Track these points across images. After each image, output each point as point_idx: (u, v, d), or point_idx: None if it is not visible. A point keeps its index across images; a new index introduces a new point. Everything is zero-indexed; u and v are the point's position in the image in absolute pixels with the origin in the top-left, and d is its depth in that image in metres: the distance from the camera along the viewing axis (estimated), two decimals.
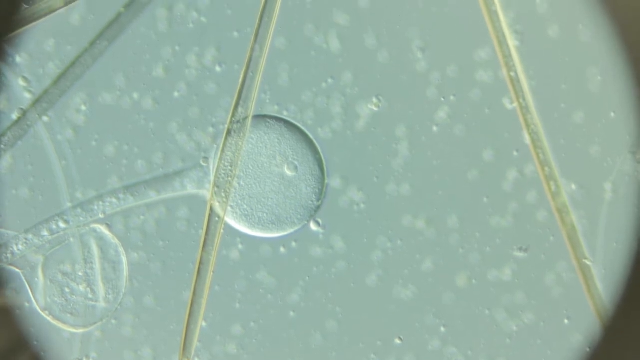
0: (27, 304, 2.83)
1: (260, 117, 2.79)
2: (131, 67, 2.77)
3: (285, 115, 2.78)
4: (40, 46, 2.77)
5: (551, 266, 2.76)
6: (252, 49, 2.74)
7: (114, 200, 2.81)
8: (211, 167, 2.79)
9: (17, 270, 2.83)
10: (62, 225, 2.82)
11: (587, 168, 2.73)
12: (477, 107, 2.75)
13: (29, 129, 2.79)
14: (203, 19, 2.76)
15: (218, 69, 2.76)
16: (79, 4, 2.76)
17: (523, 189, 2.76)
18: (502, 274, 2.77)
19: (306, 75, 2.76)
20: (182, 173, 2.80)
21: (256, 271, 2.81)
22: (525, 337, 2.79)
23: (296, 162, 2.80)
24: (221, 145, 2.78)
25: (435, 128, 2.75)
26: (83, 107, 2.79)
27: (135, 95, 2.78)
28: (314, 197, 2.80)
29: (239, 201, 2.80)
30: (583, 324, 2.75)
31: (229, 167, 2.79)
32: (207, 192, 2.80)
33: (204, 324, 2.81)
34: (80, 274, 2.83)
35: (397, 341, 2.80)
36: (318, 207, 2.80)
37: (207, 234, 2.79)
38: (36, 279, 2.83)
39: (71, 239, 2.83)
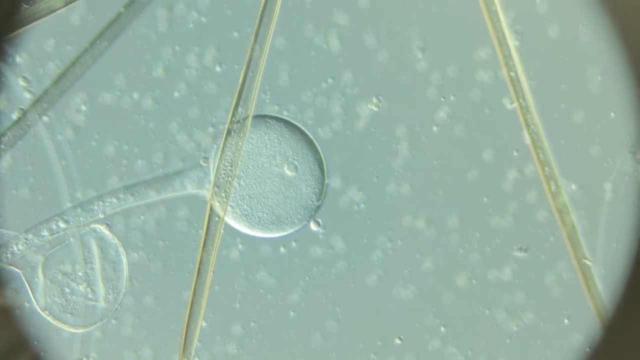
0: (27, 304, 2.83)
1: (260, 117, 2.79)
2: (131, 67, 2.77)
3: (285, 115, 2.78)
4: (40, 46, 2.77)
5: (551, 266, 2.76)
6: (252, 49, 2.74)
7: (114, 200, 2.81)
8: (211, 167, 2.79)
9: (17, 270, 2.83)
10: (62, 225, 2.82)
11: (587, 168, 2.73)
12: (477, 107, 2.75)
13: (29, 129, 2.79)
14: (203, 19, 2.76)
15: (218, 69, 2.76)
16: (79, 4, 2.76)
17: (523, 189, 2.76)
18: (502, 274, 2.77)
19: (306, 75, 2.76)
20: (182, 173, 2.80)
21: (256, 271, 2.81)
22: (525, 337, 2.79)
23: (296, 162, 2.80)
24: (221, 145, 2.78)
25: (435, 128, 2.75)
26: (83, 107, 2.79)
27: (135, 95, 2.78)
28: (314, 197, 2.80)
29: (239, 201, 2.81)
30: (583, 324, 2.75)
31: (229, 167, 2.79)
32: (207, 192, 2.80)
33: (204, 324, 2.81)
34: (80, 274, 2.83)
35: (397, 341, 2.80)
36: (318, 207, 2.80)
37: (207, 234, 2.79)
38: (36, 279, 2.83)
39: (71, 239, 2.83)
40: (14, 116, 2.78)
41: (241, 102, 2.77)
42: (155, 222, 2.81)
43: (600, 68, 2.69)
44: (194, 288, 2.80)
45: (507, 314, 2.78)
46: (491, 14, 2.71)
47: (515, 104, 2.73)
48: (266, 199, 2.80)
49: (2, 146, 2.78)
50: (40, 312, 2.83)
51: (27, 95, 2.78)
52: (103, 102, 2.79)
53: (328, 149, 2.79)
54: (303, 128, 2.78)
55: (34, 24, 2.76)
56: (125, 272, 2.83)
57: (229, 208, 2.80)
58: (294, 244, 2.80)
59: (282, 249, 2.80)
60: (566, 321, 2.77)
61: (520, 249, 2.77)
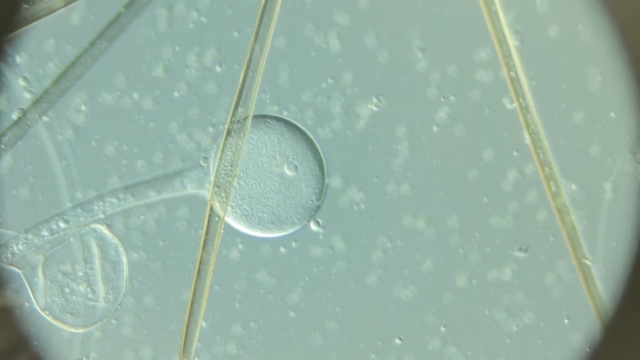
0: (27, 304, 2.83)
1: (260, 117, 2.79)
2: (131, 67, 2.77)
3: (285, 115, 2.78)
4: (40, 46, 2.77)
5: (551, 266, 2.76)
6: (252, 49, 2.74)
7: (114, 200, 2.81)
8: (211, 167, 2.79)
9: (17, 270, 2.83)
10: (62, 225, 2.82)
11: (587, 168, 2.73)
12: (477, 107, 2.75)
13: (29, 129, 2.79)
14: (203, 19, 2.76)
15: (218, 69, 2.76)
16: (79, 4, 2.76)
17: (523, 189, 2.76)
18: (502, 274, 2.77)
19: (306, 75, 2.76)
20: (182, 173, 2.80)
21: (256, 271, 2.81)
22: (525, 337, 2.79)
23: (296, 162, 2.80)
24: (221, 145, 2.78)
25: (435, 128, 2.75)
26: (83, 107, 2.79)
27: (135, 95, 2.78)
28: (314, 197, 2.80)
29: (239, 201, 2.81)
30: (583, 324, 2.75)
31: (229, 167, 2.79)
32: (207, 192, 2.80)
33: (204, 324, 2.81)
34: (80, 274, 2.83)
35: (397, 341, 2.80)
36: (318, 207, 2.80)
37: (207, 234, 2.79)
38: (36, 279, 2.83)
39: (71, 239, 2.83)
40: (14, 116, 2.78)
41: (241, 102, 2.77)
42: (155, 222, 2.81)
43: (600, 68, 2.69)
44: (194, 288, 2.80)
45: (507, 314, 2.78)
46: (491, 14, 2.71)
47: (515, 104, 2.73)
48: (266, 198, 2.80)
49: (2, 146, 2.78)
50: (41, 312, 2.83)
51: (27, 95, 2.78)
52: (103, 102, 2.79)
53: (328, 149, 2.79)
54: (303, 128, 2.78)
55: (34, 24, 2.76)
56: (125, 272, 2.83)
57: (229, 208, 2.80)
58: (294, 244, 2.80)
59: (282, 249, 2.80)
60: (566, 321, 2.77)
61: (520, 249, 2.77)
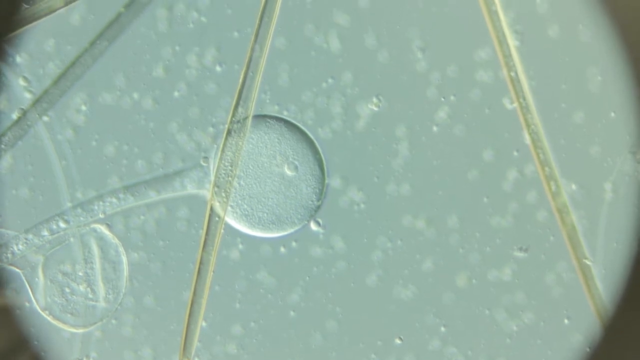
0: (27, 304, 2.83)
1: (260, 117, 2.79)
2: (131, 67, 2.77)
3: (285, 115, 2.78)
4: (41, 46, 2.77)
5: (551, 266, 2.76)
6: (252, 49, 2.74)
7: (114, 200, 2.81)
8: (211, 167, 2.80)
9: (17, 270, 2.83)
10: (62, 225, 2.82)
11: (587, 168, 2.73)
12: (477, 107, 2.75)
13: (29, 129, 2.79)
14: (203, 19, 2.76)
15: (218, 69, 2.76)
16: (79, 4, 2.76)
17: (523, 189, 2.76)
18: (502, 274, 2.77)
19: (306, 75, 2.76)
20: (182, 173, 2.80)
21: (256, 271, 2.81)
22: (525, 337, 2.79)
23: (296, 162, 2.80)
24: (221, 145, 2.78)
25: (435, 128, 2.75)
26: (83, 107, 2.79)
27: (135, 95, 2.78)
28: (314, 197, 2.80)
29: (239, 201, 2.81)
30: (583, 324, 2.75)
31: (229, 167, 2.79)
32: (207, 192, 2.80)
33: (204, 324, 2.81)
34: (80, 273, 2.83)
35: (397, 341, 2.80)
36: (318, 207, 2.80)
37: (207, 234, 2.79)
38: (36, 279, 2.83)
39: (71, 239, 2.83)
40: (14, 116, 2.78)
41: (241, 102, 2.77)
42: (155, 222, 2.81)
43: (600, 68, 2.69)
44: (194, 288, 2.80)
45: (507, 314, 2.78)
46: (491, 14, 2.71)
47: (515, 104, 2.73)
48: (266, 198, 2.80)
49: (2, 146, 2.78)
50: (41, 312, 2.83)
51: (27, 95, 2.78)
52: (103, 102, 2.79)
53: (328, 148, 2.79)
54: (303, 128, 2.78)
55: (34, 24, 2.76)
56: (126, 272, 2.83)
57: (229, 208, 2.80)
58: (294, 243, 2.80)
59: (282, 249, 2.80)
60: (566, 321, 2.77)
61: (520, 249, 2.77)
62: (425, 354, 2.80)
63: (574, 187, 2.74)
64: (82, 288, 2.83)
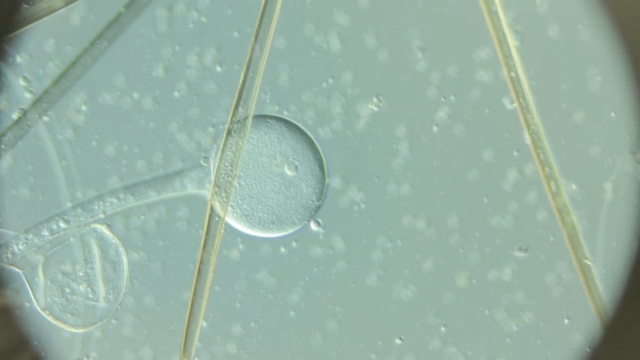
0: (27, 304, 2.83)
1: (260, 117, 2.79)
2: (131, 67, 2.77)
3: (285, 115, 2.78)
4: (41, 46, 2.77)
5: (551, 266, 2.76)
6: (253, 49, 2.74)
7: (114, 200, 2.81)
8: (211, 167, 2.80)
9: (17, 270, 2.83)
10: (62, 225, 2.82)
11: (587, 168, 2.73)
12: (477, 107, 2.75)
13: (29, 129, 2.79)
14: (203, 19, 2.76)
15: (218, 69, 2.76)
16: (79, 4, 2.76)
17: (523, 189, 2.76)
18: (502, 274, 2.78)
19: (306, 75, 2.76)
20: (182, 173, 2.80)
21: (256, 271, 2.81)
22: (525, 337, 2.79)
23: (296, 162, 2.80)
24: (221, 145, 2.78)
25: (435, 128, 2.75)
26: (83, 107, 2.79)
27: (135, 95, 2.78)
28: (314, 197, 2.80)
29: (239, 201, 2.81)
30: (583, 324, 2.75)
31: (230, 167, 2.79)
32: (207, 192, 2.80)
33: (204, 324, 2.81)
34: (80, 273, 2.83)
35: (398, 341, 2.80)
36: (318, 207, 2.80)
37: (207, 233, 2.79)
38: (36, 279, 2.83)
39: (71, 239, 2.83)
40: (14, 116, 2.78)
41: (241, 102, 2.77)
42: (156, 222, 2.81)
43: (600, 68, 2.69)
44: (194, 288, 2.80)
45: (507, 314, 2.78)
46: (491, 14, 2.71)
47: (516, 104, 2.73)
48: (266, 198, 2.80)
49: (3, 146, 2.78)
50: (41, 312, 2.83)
51: (28, 95, 2.78)
52: (103, 102, 2.79)
53: (328, 148, 2.79)
54: (303, 128, 2.78)
55: (34, 24, 2.76)
56: (126, 272, 2.83)
57: (229, 208, 2.80)
58: (294, 243, 2.80)
59: (282, 249, 2.80)
60: (566, 321, 2.77)
61: (520, 249, 2.77)
62: (425, 354, 2.80)
63: (574, 187, 2.74)
64: (82, 288, 2.83)
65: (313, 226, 2.80)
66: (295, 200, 2.80)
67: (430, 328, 2.80)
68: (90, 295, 2.83)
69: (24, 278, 2.83)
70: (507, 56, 2.71)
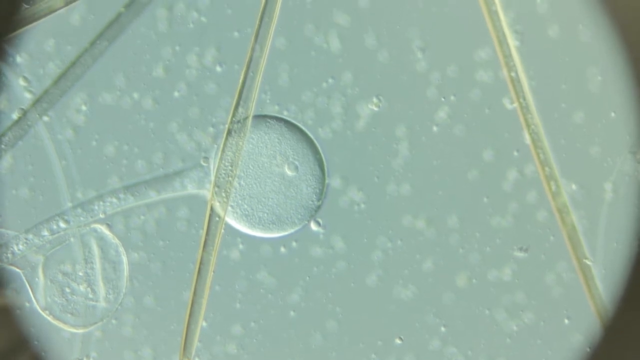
0: (27, 304, 2.83)
1: (260, 117, 2.79)
2: (131, 67, 2.77)
3: (285, 115, 2.78)
4: (41, 46, 2.77)
5: (551, 266, 2.76)
6: (253, 49, 2.75)
7: (114, 200, 2.81)
8: (211, 167, 2.80)
9: (17, 270, 2.83)
10: (62, 225, 2.82)
11: (587, 168, 2.73)
12: (477, 107, 2.75)
13: (29, 129, 2.79)
14: (203, 19, 2.76)
15: (218, 69, 2.76)
16: (79, 4, 2.76)
17: (523, 189, 2.76)
18: (502, 274, 2.78)
19: (306, 75, 2.76)
20: (182, 173, 2.80)
21: (256, 271, 2.81)
22: (525, 337, 2.79)
23: (296, 162, 2.80)
24: (221, 145, 2.78)
25: (435, 128, 2.75)
26: (83, 107, 2.79)
27: (135, 95, 2.78)
28: (314, 197, 2.80)
29: (240, 201, 2.81)
30: (583, 324, 2.76)
31: (230, 167, 2.79)
32: (207, 192, 2.80)
33: (204, 324, 2.81)
34: (80, 273, 2.83)
35: (398, 341, 2.80)
36: (318, 207, 2.80)
37: (207, 234, 2.79)
38: (36, 279, 2.83)
39: (71, 239, 2.83)
40: (14, 116, 2.78)
41: (241, 102, 2.77)
42: (156, 222, 2.81)
43: (600, 68, 2.69)
44: (194, 288, 2.80)
45: (507, 314, 2.78)
46: (491, 14, 2.71)
47: (516, 104, 2.73)
48: (266, 198, 2.80)
49: (3, 146, 2.78)
50: (41, 312, 2.83)
51: (28, 95, 2.78)
52: (103, 102, 2.79)
53: (328, 148, 2.79)
54: (303, 128, 2.78)
55: (34, 24, 2.76)
56: (126, 272, 2.83)
57: (229, 208, 2.80)
58: (294, 243, 2.80)
59: (282, 249, 2.80)
60: (566, 321, 2.77)
61: (520, 249, 2.77)
62: (425, 354, 2.80)
63: (574, 187, 2.74)
64: (82, 288, 2.83)
65: (313, 226, 2.80)
66: (295, 200, 2.80)
67: (430, 328, 2.80)
68: (90, 295, 2.83)
69: (24, 278, 2.83)
70: (507, 56, 2.71)
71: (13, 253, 2.82)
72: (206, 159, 2.80)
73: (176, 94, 2.77)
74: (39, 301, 2.83)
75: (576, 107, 2.72)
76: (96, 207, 2.81)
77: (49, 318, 2.83)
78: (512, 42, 2.71)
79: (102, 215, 2.82)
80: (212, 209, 2.80)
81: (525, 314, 2.78)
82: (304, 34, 2.75)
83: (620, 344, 2.53)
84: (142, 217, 2.82)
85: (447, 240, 2.78)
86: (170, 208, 2.81)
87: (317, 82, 2.75)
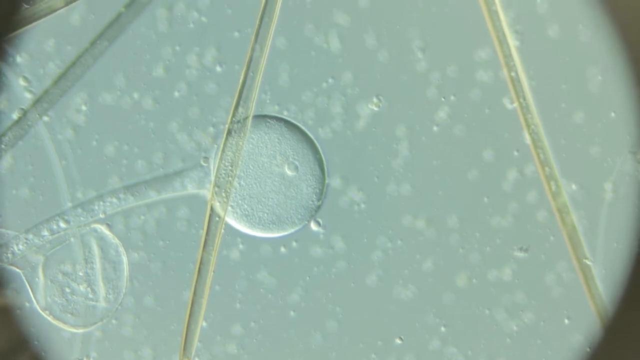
0: (27, 304, 2.83)
1: (260, 117, 2.79)
2: (131, 67, 2.77)
3: (285, 115, 2.78)
4: (41, 46, 2.77)
5: (551, 266, 2.76)
6: (253, 49, 2.75)
7: (114, 200, 2.81)
8: (211, 167, 2.80)
9: (17, 270, 2.83)
10: (62, 225, 2.82)
11: (587, 168, 2.73)
12: (477, 107, 2.75)
13: (29, 129, 2.79)
14: (203, 19, 2.76)
15: (218, 69, 2.76)
16: (79, 4, 2.76)
17: (523, 189, 2.76)
18: (502, 274, 2.78)
19: (306, 75, 2.76)
20: (182, 173, 2.80)
21: (256, 271, 2.81)
22: (525, 337, 2.79)
23: (296, 162, 2.80)
24: (221, 145, 2.78)
25: (435, 128, 2.75)
26: (83, 107, 2.79)
27: (135, 95, 2.78)
28: (314, 197, 2.80)
29: (240, 201, 2.81)
30: (583, 324, 2.76)
31: (230, 167, 2.79)
32: (207, 192, 2.80)
33: (204, 324, 2.81)
34: (80, 273, 2.83)
35: (398, 341, 2.80)
36: (318, 207, 2.80)
37: (207, 233, 2.79)
38: (37, 279, 2.83)
39: (72, 239, 2.83)
40: (15, 116, 2.79)
41: (241, 102, 2.77)
42: (156, 222, 2.81)
43: (600, 68, 2.69)
44: (195, 288, 2.80)
45: (507, 314, 2.78)
46: (491, 13, 2.71)
47: (516, 104, 2.73)
48: (267, 198, 2.80)
49: (3, 146, 2.78)
50: (41, 312, 2.83)
51: (28, 95, 2.78)
52: (103, 102, 2.79)
53: (328, 148, 2.79)
54: (303, 128, 2.78)
55: (35, 24, 2.76)
56: (126, 272, 2.83)
57: (229, 208, 2.80)
58: (294, 243, 2.80)
59: (282, 249, 2.80)
60: (566, 321, 2.77)
61: (520, 249, 2.77)
62: (425, 354, 2.80)
63: (574, 187, 2.74)
64: (82, 288, 2.83)
65: (313, 226, 2.80)
66: (295, 200, 2.80)
67: (430, 328, 2.80)
68: (91, 295, 2.83)
69: (24, 278, 2.83)
70: (507, 56, 2.71)
71: (13, 253, 2.82)
72: (206, 159, 2.80)
73: (176, 94, 2.77)
74: (39, 301, 2.83)
75: (576, 107, 2.72)
76: (96, 207, 2.81)
77: (49, 318, 2.83)
78: (512, 42, 2.71)
79: (102, 215, 2.82)
80: (212, 209, 2.80)
81: (525, 314, 2.78)
82: (304, 34, 2.75)
83: (620, 344, 2.53)
84: (142, 217, 2.82)
85: (447, 240, 2.78)
86: (170, 208, 2.81)
87: (317, 82, 2.75)
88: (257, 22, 2.74)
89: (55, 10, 2.76)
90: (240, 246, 2.81)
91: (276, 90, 2.77)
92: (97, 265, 2.83)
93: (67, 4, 2.76)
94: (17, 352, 2.68)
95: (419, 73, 2.74)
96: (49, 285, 2.83)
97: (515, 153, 2.75)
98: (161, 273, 2.82)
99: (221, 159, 2.79)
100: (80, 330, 2.84)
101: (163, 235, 2.81)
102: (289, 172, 2.80)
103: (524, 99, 2.72)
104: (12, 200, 2.81)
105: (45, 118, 2.79)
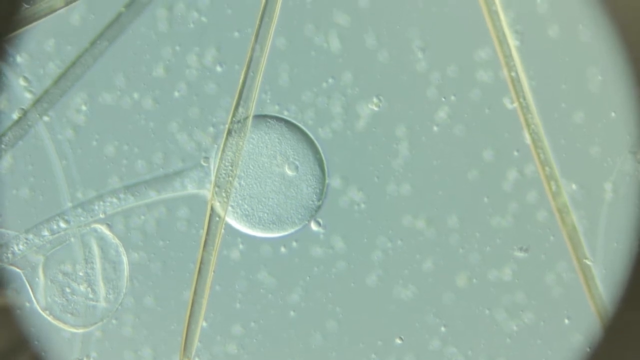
0: (27, 304, 2.83)
1: (260, 117, 2.79)
2: (131, 67, 2.77)
3: (285, 115, 2.78)
4: (41, 46, 2.77)
5: (551, 266, 2.76)
6: (253, 49, 2.75)
7: (114, 200, 2.81)
8: (212, 167, 2.80)
9: (17, 270, 2.83)
10: (62, 225, 2.82)
11: (587, 168, 2.73)
12: (477, 107, 2.75)
13: (29, 129, 2.79)
14: (203, 19, 2.76)
15: (218, 69, 2.76)
16: (79, 4, 2.76)
17: (523, 189, 2.76)
18: (502, 274, 2.78)
19: (306, 75, 2.76)
20: (182, 173, 2.80)
21: (257, 271, 2.81)
22: (525, 337, 2.79)
23: (297, 162, 2.80)
24: (222, 145, 2.78)
25: (435, 128, 2.75)
26: (83, 107, 2.79)
27: (135, 95, 2.78)
28: (314, 197, 2.80)
29: (240, 201, 2.81)
30: (583, 324, 2.76)
31: (230, 167, 2.79)
32: (207, 192, 2.80)
33: (204, 324, 2.82)
34: (80, 273, 2.83)
35: (398, 341, 2.80)
36: (318, 207, 2.80)
37: (207, 233, 2.80)
38: (37, 279, 2.83)
39: (72, 239, 2.83)
40: (15, 116, 2.79)
41: (242, 102, 2.77)
42: (156, 222, 2.82)
43: (600, 68, 2.69)
44: (195, 288, 2.80)
45: (507, 314, 2.78)
46: (491, 13, 2.71)
47: (516, 104, 2.73)
48: (267, 198, 2.81)
49: (3, 146, 2.78)
50: (41, 312, 2.83)
51: (28, 95, 2.78)
52: (103, 102, 2.79)
53: (328, 148, 2.79)
54: (304, 128, 2.78)
55: (35, 24, 2.76)
56: (126, 272, 2.83)
57: (229, 208, 2.80)
58: (294, 243, 2.80)
59: (282, 249, 2.80)
60: (566, 321, 2.77)
61: (520, 249, 2.77)
62: (425, 354, 2.80)
63: (574, 187, 2.74)
64: (82, 288, 2.83)
65: (313, 226, 2.80)
66: (295, 200, 2.80)
67: (430, 328, 2.80)
68: (91, 295, 2.84)
69: (24, 278, 2.83)
70: (507, 56, 2.71)
71: (13, 253, 2.82)
72: (206, 159, 2.80)
73: (176, 94, 2.77)
74: (39, 301, 2.83)
75: (576, 107, 2.72)
76: (96, 207, 2.81)
77: (49, 318, 2.83)
78: (512, 42, 2.71)
79: (102, 215, 2.82)
80: (212, 209, 2.80)
81: (525, 314, 2.78)
82: (304, 34, 2.75)
83: (620, 344, 2.53)
84: (142, 217, 2.82)
85: (447, 240, 2.78)
86: (171, 208, 2.81)
87: (317, 82, 2.75)
88: (257, 22, 2.74)
89: (55, 10, 2.76)
90: (241, 246, 2.81)
91: (276, 90, 2.77)
92: (97, 265, 2.83)
93: (67, 4, 2.76)
94: (17, 352, 2.68)
95: (419, 73, 2.74)
96: (49, 285, 2.83)
97: (515, 153, 2.75)
98: (161, 273, 2.82)
99: (221, 159, 2.79)
100: (81, 330, 2.84)
101: (163, 235, 2.81)
102: (289, 172, 2.80)
103: (524, 99, 2.72)
104: (12, 200, 2.81)
105: (45, 118, 2.79)
